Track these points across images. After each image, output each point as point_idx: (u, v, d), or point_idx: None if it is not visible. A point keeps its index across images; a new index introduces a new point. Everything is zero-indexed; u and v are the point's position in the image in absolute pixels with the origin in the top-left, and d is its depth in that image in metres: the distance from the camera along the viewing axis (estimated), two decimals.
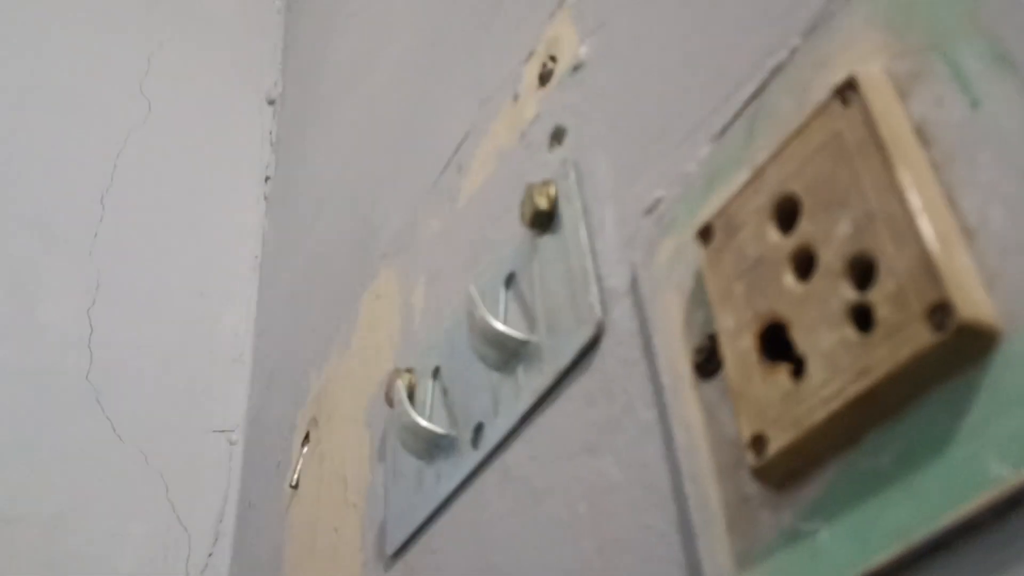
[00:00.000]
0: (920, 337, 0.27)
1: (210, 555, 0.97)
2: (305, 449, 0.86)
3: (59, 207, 1.13)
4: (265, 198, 1.32)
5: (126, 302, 1.09)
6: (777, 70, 0.38)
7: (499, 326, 0.51)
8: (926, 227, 0.28)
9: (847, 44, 0.34)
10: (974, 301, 0.26)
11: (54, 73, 1.25)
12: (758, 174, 0.35)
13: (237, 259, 1.23)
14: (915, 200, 0.28)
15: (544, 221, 0.52)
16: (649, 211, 0.44)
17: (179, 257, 1.18)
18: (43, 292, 1.05)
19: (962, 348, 0.26)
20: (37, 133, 1.18)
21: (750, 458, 0.32)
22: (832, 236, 0.31)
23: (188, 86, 1.37)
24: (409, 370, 0.65)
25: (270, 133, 1.41)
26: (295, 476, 0.85)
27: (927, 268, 0.27)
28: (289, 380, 0.97)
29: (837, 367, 0.29)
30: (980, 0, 0.29)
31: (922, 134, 0.30)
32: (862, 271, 0.30)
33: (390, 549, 0.61)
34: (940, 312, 0.26)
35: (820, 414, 0.30)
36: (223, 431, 1.06)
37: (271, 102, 1.45)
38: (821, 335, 0.30)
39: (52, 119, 1.20)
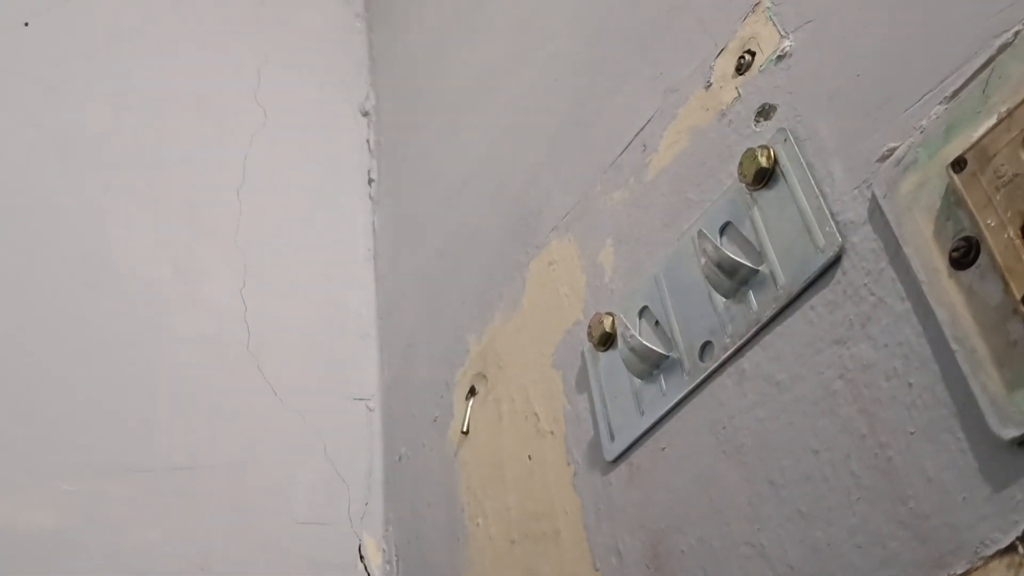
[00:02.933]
0: None
1: (366, 504, 1.08)
2: (471, 401, 0.98)
3: (205, 200, 1.25)
4: (371, 198, 1.45)
5: (270, 284, 1.22)
6: (1004, 47, 0.52)
7: (735, 256, 0.65)
8: None
9: None
10: None
11: (183, 81, 1.38)
12: (1006, 117, 0.49)
13: (352, 252, 1.36)
14: None
15: (764, 178, 0.66)
16: (882, 159, 0.57)
17: (305, 249, 1.30)
18: (202, 273, 1.17)
19: None
20: (179, 136, 1.30)
21: (1023, 310, 0.45)
22: None
23: (292, 98, 1.50)
24: (609, 314, 0.78)
25: (367, 141, 1.54)
26: (466, 423, 0.97)
27: None
28: (435, 347, 1.09)
29: None
30: None
31: None
32: None
33: (610, 456, 0.74)
34: None
35: None
36: (361, 399, 1.18)
37: (364, 113, 1.58)
38: None
39: (190, 124, 1.33)
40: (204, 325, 1.13)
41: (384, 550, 1.05)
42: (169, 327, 1.11)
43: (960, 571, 0.47)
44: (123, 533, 0.96)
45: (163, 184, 1.23)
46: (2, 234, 1.09)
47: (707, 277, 0.67)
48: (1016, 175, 0.48)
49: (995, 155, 0.49)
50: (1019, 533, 0.45)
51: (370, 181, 1.47)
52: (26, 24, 1.28)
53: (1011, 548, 0.45)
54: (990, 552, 0.45)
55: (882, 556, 0.51)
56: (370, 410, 1.18)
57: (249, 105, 1.42)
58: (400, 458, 1.10)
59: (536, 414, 0.86)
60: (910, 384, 0.52)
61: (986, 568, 0.45)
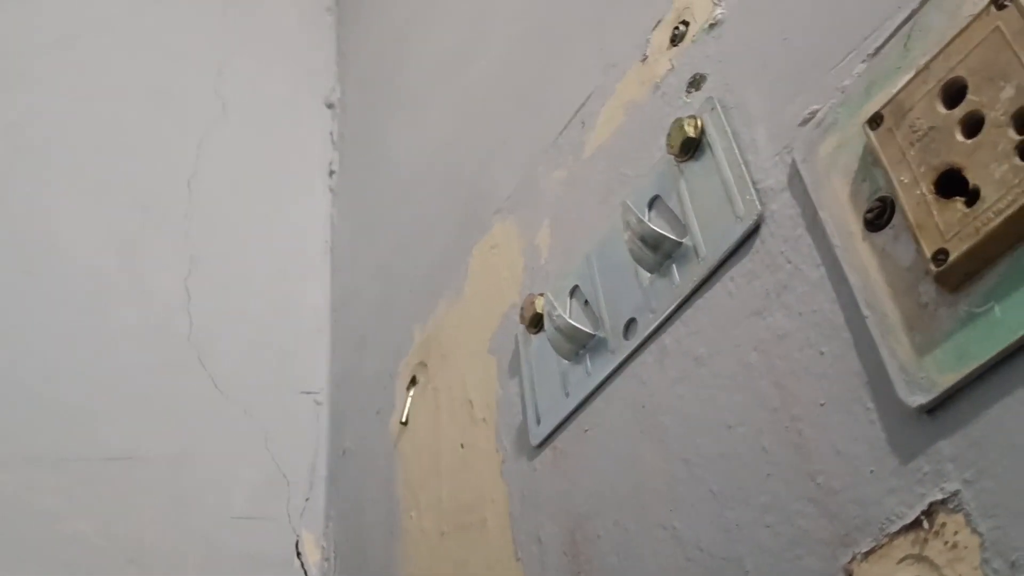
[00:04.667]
0: None
1: (307, 499, 1.05)
2: (412, 391, 0.95)
3: (154, 190, 1.22)
4: (331, 190, 1.42)
5: (217, 275, 1.19)
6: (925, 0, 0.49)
7: (658, 229, 0.62)
8: None
9: None
10: None
11: (141, 75, 1.35)
12: (923, 70, 0.46)
13: (309, 244, 1.33)
14: None
15: (691, 148, 0.63)
16: (804, 123, 0.55)
17: (259, 240, 1.27)
18: (147, 263, 1.14)
19: None
20: (131, 125, 1.27)
21: (932, 268, 0.43)
22: (998, 100, 0.42)
23: (254, 90, 1.47)
24: (541, 294, 0.75)
25: (331, 133, 1.51)
26: (405, 414, 0.94)
27: None
28: (384, 339, 1.06)
29: (1008, 186, 0.40)
30: None
31: None
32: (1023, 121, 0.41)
33: (535, 440, 0.71)
34: None
35: (996, 222, 0.40)
36: (310, 392, 1.15)
37: (329, 106, 1.56)
38: (993, 169, 0.41)
39: (144, 114, 1.30)
40: (146, 315, 1.10)
41: (323, 547, 1.02)
42: (110, 316, 1.08)
43: (866, 548, 0.44)
44: (51, 524, 0.93)
45: (112, 173, 1.21)
46: None
47: (631, 252, 0.64)
48: (931, 128, 0.45)
49: (911, 109, 0.46)
50: (924, 507, 0.42)
51: (331, 173, 1.45)
52: None
53: (916, 523, 0.42)
54: (895, 528, 0.42)
55: (791, 535, 0.48)
56: (318, 404, 1.15)
57: (207, 96, 1.40)
58: (344, 452, 1.07)
59: (471, 401, 0.83)
60: (822, 353, 0.49)
61: (891, 545, 0.42)
